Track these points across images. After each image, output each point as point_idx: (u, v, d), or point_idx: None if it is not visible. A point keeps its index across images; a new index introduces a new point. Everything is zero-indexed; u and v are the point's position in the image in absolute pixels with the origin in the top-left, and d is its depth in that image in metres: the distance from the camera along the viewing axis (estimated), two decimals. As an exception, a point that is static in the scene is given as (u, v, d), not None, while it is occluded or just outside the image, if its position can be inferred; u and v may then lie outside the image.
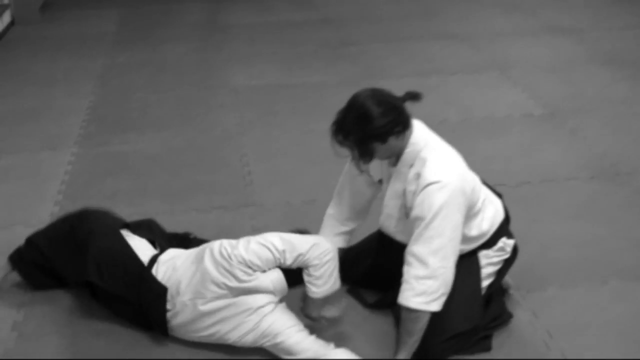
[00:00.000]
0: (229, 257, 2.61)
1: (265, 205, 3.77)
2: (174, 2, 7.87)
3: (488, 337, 2.77)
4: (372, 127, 2.43)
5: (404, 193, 2.61)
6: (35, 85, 5.56)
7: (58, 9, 7.67)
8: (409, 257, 2.48)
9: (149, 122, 4.84)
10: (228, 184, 4.00)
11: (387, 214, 2.79)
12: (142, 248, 2.89)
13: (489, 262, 2.77)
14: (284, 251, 2.62)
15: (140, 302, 2.76)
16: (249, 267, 2.61)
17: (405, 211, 2.62)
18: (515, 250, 2.85)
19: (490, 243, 2.74)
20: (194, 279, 2.68)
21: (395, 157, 2.59)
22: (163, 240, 3.04)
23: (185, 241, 3.12)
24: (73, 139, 4.58)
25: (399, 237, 2.74)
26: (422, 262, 2.43)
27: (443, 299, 2.47)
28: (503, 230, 2.79)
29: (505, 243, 2.79)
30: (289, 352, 2.62)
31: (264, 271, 2.64)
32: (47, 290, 3.11)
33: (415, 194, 2.49)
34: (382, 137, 2.45)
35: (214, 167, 4.20)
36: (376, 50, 6.25)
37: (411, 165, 2.55)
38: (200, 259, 2.70)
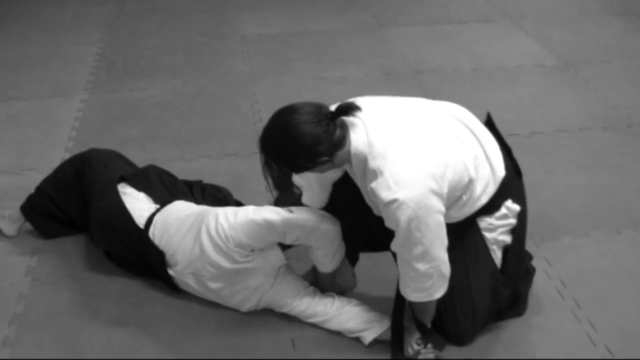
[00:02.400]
0: (227, 238, 2.48)
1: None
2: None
3: (518, 301, 2.67)
4: (290, 159, 2.19)
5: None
6: (42, 31, 5.51)
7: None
8: (396, 256, 2.31)
9: (159, 70, 4.79)
10: (240, 131, 3.97)
11: (369, 202, 2.44)
12: (138, 206, 2.80)
13: (491, 235, 2.47)
14: (284, 233, 2.49)
15: (145, 261, 2.75)
16: (246, 249, 2.51)
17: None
18: (522, 216, 2.52)
19: (489, 208, 2.40)
20: (191, 254, 2.59)
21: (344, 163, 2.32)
22: (162, 191, 2.94)
23: (195, 188, 3.07)
24: (82, 86, 4.55)
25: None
26: (410, 265, 2.25)
27: (444, 286, 2.31)
28: (505, 191, 2.41)
29: (509, 208, 2.44)
30: (300, 317, 2.62)
31: (262, 250, 2.56)
32: (60, 237, 3.11)
33: (379, 207, 2.22)
34: (309, 167, 2.22)
35: (225, 114, 4.17)
36: (386, -2, 6.18)
37: (364, 171, 2.26)
38: (197, 233, 2.59)
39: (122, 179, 2.91)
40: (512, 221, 2.47)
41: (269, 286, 2.59)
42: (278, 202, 2.84)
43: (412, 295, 2.33)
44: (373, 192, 2.17)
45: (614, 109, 4.22)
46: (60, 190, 3.01)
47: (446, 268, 2.28)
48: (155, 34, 5.43)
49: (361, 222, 2.55)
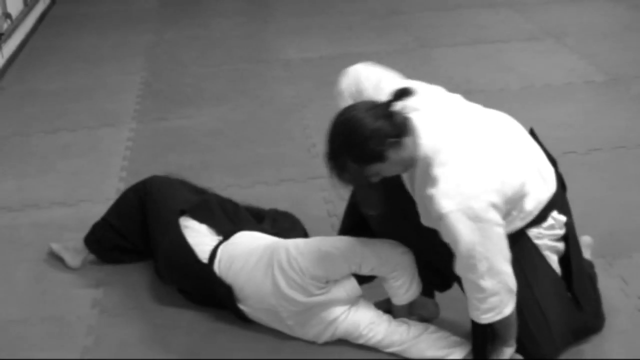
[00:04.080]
0: (301, 271, 2.43)
1: (334, 177, 3.70)
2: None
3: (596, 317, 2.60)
4: (357, 150, 2.13)
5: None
6: (83, 63, 5.52)
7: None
8: (461, 277, 2.24)
9: (205, 97, 4.78)
10: (294, 157, 3.94)
11: (423, 214, 2.36)
12: (201, 240, 2.74)
13: (542, 242, 2.42)
14: (359, 263, 2.45)
15: (212, 295, 2.70)
16: (322, 281, 2.45)
17: None
18: (569, 226, 2.46)
19: (538, 220, 2.36)
20: (261, 289, 2.53)
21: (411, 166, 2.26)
22: (225, 221, 2.87)
23: (267, 218, 3.02)
24: (130, 115, 4.53)
25: None
26: (476, 286, 2.19)
27: (512, 300, 2.24)
28: (553, 203, 2.38)
29: (556, 219, 2.40)
30: (377, 348, 2.54)
31: (337, 281, 2.50)
32: (123, 265, 3.07)
33: (435, 220, 2.17)
34: (377, 156, 2.15)
35: (277, 140, 4.14)
36: (426, 18, 6.16)
37: (426, 179, 2.19)
38: (266, 267, 2.53)
39: (183, 212, 2.86)
40: (559, 231, 2.42)
41: (344, 317, 2.53)
42: (344, 231, 2.78)
43: (483, 317, 2.25)
44: (431, 199, 2.11)
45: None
46: (124, 219, 2.99)
47: (512, 281, 2.22)
48: (196, 62, 5.42)
49: (429, 251, 2.47)
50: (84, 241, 3.06)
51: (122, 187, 3.65)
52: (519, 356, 2.40)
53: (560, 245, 2.45)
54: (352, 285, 2.51)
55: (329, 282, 2.47)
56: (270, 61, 5.37)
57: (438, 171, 2.12)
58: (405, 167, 2.25)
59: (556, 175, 2.43)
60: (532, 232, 2.38)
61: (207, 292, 2.69)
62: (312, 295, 2.45)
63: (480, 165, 2.14)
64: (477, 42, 5.57)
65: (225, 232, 2.78)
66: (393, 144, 2.14)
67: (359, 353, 2.56)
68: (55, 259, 3.12)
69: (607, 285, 2.83)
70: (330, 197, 3.48)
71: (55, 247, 3.12)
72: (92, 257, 3.09)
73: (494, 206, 2.11)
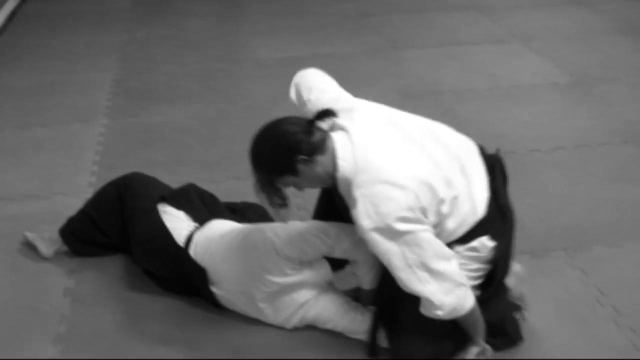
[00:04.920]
0: (276, 251, 2.53)
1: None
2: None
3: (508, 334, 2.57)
4: (268, 161, 2.31)
5: None
6: (56, 60, 5.53)
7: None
8: (412, 293, 2.28)
9: (177, 95, 4.82)
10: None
11: None
12: (178, 225, 2.81)
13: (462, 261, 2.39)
14: (332, 245, 2.54)
15: (186, 279, 2.75)
16: (296, 262, 2.54)
17: None
18: (500, 250, 2.41)
19: (461, 240, 2.37)
20: (236, 271, 2.61)
21: (331, 180, 2.34)
22: (202, 210, 2.96)
23: (238, 211, 3.09)
24: (102, 111, 4.56)
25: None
26: (427, 294, 2.23)
27: (469, 292, 2.30)
28: (482, 229, 2.37)
29: (482, 243, 2.37)
30: (345, 334, 2.61)
31: (310, 262, 2.58)
32: (96, 257, 3.11)
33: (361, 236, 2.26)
34: (287, 170, 2.28)
35: (249, 137, 4.09)
36: (396, 21, 6.25)
37: (349, 201, 2.29)
38: (242, 250, 2.61)
39: (163, 199, 2.92)
40: (483, 255, 2.39)
41: (315, 301, 2.60)
42: (316, 217, 2.86)
43: (449, 316, 2.30)
44: (354, 220, 2.22)
45: (631, 124, 4.27)
46: (102, 213, 3.02)
47: (459, 276, 2.27)
48: (169, 61, 5.46)
49: None
50: (59, 232, 3.09)
51: (95, 181, 3.71)
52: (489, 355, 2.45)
53: (482, 266, 2.42)
54: (324, 268, 2.58)
55: (302, 263, 2.54)
56: (242, 61, 5.42)
57: (357, 193, 2.21)
58: (324, 182, 2.37)
59: (496, 204, 2.41)
60: (456, 251, 2.37)
61: (182, 275, 2.74)
62: (285, 275, 2.52)
63: (396, 184, 2.19)
64: (446, 44, 5.67)
65: (202, 219, 2.84)
66: (305, 161, 2.26)
67: (327, 340, 2.62)
68: (29, 249, 3.15)
69: (568, 276, 2.96)
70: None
71: (30, 235, 3.15)
72: (65, 247, 3.12)
73: (410, 220, 2.18)
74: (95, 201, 3.08)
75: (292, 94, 2.73)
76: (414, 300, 2.33)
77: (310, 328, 2.66)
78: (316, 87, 2.63)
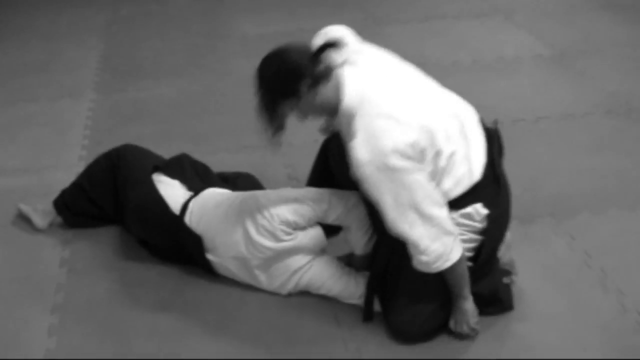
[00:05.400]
0: (271, 216, 2.55)
1: (294, 143, 3.79)
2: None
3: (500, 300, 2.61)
4: (273, 80, 2.30)
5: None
6: (40, 39, 5.50)
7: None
8: (398, 235, 2.29)
9: (163, 70, 4.83)
10: (253, 126, 3.98)
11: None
12: (173, 193, 2.84)
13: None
14: (326, 209, 2.58)
15: (181, 247, 2.79)
16: (291, 227, 2.57)
17: None
18: (494, 221, 2.45)
19: (456, 204, 2.38)
20: (231, 237, 2.63)
21: (331, 113, 2.36)
22: (196, 179, 3.00)
23: (228, 180, 3.13)
24: (89, 87, 4.57)
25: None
26: (413, 238, 2.25)
27: (457, 243, 2.30)
28: (476, 195, 2.40)
29: (476, 210, 2.42)
30: (338, 299, 2.66)
31: (304, 228, 2.62)
32: (90, 228, 3.14)
33: (353, 171, 2.24)
34: (290, 92, 2.28)
35: (235, 110, 4.22)
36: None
37: (347, 134, 2.30)
38: (237, 216, 2.64)
39: (156, 169, 2.95)
40: (477, 224, 2.43)
41: (308, 267, 2.64)
42: (311, 183, 2.90)
43: (434, 266, 2.30)
44: (350, 152, 2.21)
45: (612, 96, 4.32)
46: (95, 184, 3.05)
47: (449, 224, 2.27)
48: (154, 37, 5.46)
49: None
50: (53, 204, 3.12)
51: (85, 154, 3.73)
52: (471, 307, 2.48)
53: (475, 237, 2.45)
54: (318, 234, 2.62)
55: (296, 229, 2.58)
56: (226, 36, 5.43)
57: (358, 124, 2.22)
58: (324, 112, 2.37)
59: (492, 171, 2.45)
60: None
61: (176, 243, 2.77)
62: (280, 240, 2.56)
63: (399, 120, 2.20)
64: (429, 18, 5.69)
65: (196, 188, 2.88)
66: (309, 85, 2.26)
67: (318, 305, 2.67)
68: (23, 222, 3.18)
69: (556, 242, 3.02)
70: (289, 162, 3.60)
71: (24, 207, 3.17)
72: (59, 219, 3.15)
73: (408, 157, 2.18)
74: (87, 173, 3.10)
75: (314, 43, 2.61)
76: (408, 266, 2.37)
77: (305, 294, 2.71)
78: (330, 33, 2.61)
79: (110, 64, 4.95)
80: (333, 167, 2.78)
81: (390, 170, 2.17)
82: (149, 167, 2.95)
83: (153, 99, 4.40)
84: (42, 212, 3.15)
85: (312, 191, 2.63)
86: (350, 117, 2.26)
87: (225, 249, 2.67)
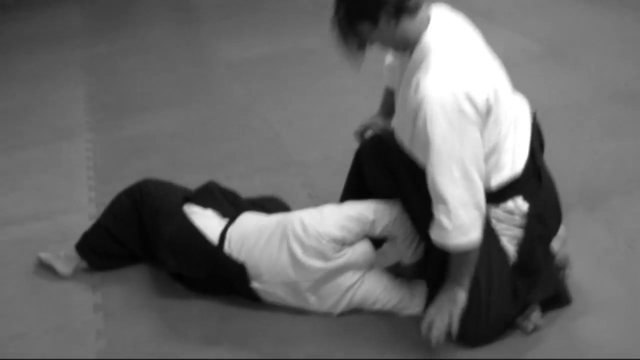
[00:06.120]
0: (319, 235, 2.47)
1: (307, 162, 3.73)
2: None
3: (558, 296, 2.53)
4: (351, 2, 2.16)
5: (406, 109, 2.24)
6: (21, 82, 5.41)
7: (17, 10, 7.45)
8: (431, 188, 2.20)
9: (155, 103, 4.74)
10: (261, 148, 3.95)
11: (399, 123, 2.41)
12: (209, 223, 2.74)
13: (500, 226, 2.39)
14: (373, 221, 2.50)
15: (222, 278, 2.69)
16: (339, 244, 2.49)
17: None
18: (536, 216, 2.39)
19: (496, 197, 2.33)
20: (277, 262, 2.54)
21: (407, 50, 2.24)
22: (228, 206, 2.90)
23: (257, 204, 3.01)
24: (84, 127, 4.46)
25: (414, 155, 2.34)
26: (445, 192, 2.15)
27: (480, 224, 2.21)
28: (518, 188, 2.36)
29: (517, 206, 2.37)
30: (394, 312, 2.57)
31: (352, 244, 2.53)
32: (117, 269, 3.02)
33: (414, 111, 2.15)
34: (370, 15, 2.15)
35: (239, 135, 4.14)
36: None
37: (418, 69, 2.18)
38: (281, 240, 2.55)
39: (187, 199, 2.86)
40: (518, 219, 2.38)
41: (360, 283, 2.56)
42: (345, 197, 2.83)
43: (449, 237, 2.19)
44: (417, 85, 2.13)
45: (612, 82, 4.33)
46: (119, 223, 2.93)
47: (483, 199, 2.18)
48: (138, 71, 5.37)
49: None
50: (76, 248, 3.00)
51: (95, 195, 3.62)
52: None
53: (519, 232, 2.40)
54: (367, 248, 2.55)
55: (344, 245, 2.50)
56: (211, 63, 5.36)
57: (433, 60, 2.13)
58: (396, 46, 2.26)
59: (533, 165, 2.41)
60: (492, 214, 2.36)
61: (218, 275, 2.67)
62: (330, 260, 2.48)
63: (475, 70, 2.14)
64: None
65: (230, 214, 2.78)
66: (390, 13, 2.14)
67: (376, 322, 2.58)
68: (45, 270, 3.04)
69: (595, 229, 2.98)
70: (308, 180, 3.52)
71: (45, 256, 3.05)
72: (84, 264, 3.02)
73: (477, 108, 2.11)
74: (110, 212, 2.99)
75: None
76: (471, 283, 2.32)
77: (357, 312, 2.61)
78: None
79: (100, 102, 4.84)
80: (368, 179, 2.70)
81: (456, 113, 2.09)
82: (177, 199, 2.85)
83: (152, 133, 4.30)
84: (65, 259, 3.02)
85: (356, 205, 2.55)
86: (425, 53, 2.16)
87: (271, 275, 2.58)
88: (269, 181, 3.57)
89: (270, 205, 3.02)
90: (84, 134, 4.36)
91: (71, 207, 3.56)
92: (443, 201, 2.18)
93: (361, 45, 2.25)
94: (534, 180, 2.41)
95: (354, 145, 3.53)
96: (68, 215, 3.49)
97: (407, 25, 2.18)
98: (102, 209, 3.30)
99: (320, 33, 5.66)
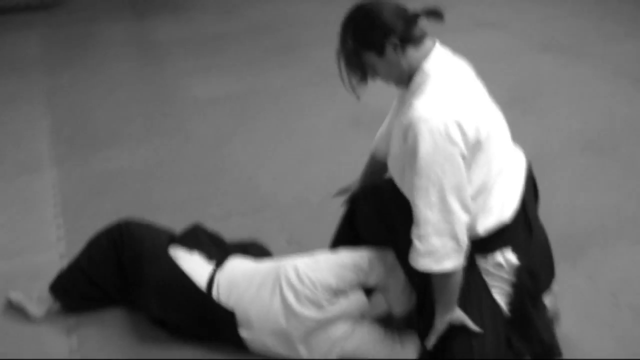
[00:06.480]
0: (313, 284, 2.42)
1: (283, 205, 3.67)
2: (92, 23, 7.66)
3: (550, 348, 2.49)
4: (362, 30, 2.17)
5: (398, 129, 2.25)
6: (-22, 113, 5.23)
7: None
8: (411, 203, 2.19)
9: (121, 139, 4.62)
10: (235, 191, 3.87)
11: (393, 156, 2.35)
12: (196, 267, 2.65)
13: (488, 276, 2.36)
14: (368, 270, 2.46)
15: (209, 325, 2.61)
16: (333, 293, 2.44)
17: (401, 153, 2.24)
18: (526, 272, 2.36)
19: (484, 246, 2.30)
20: (269, 310, 2.47)
21: (407, 83, 2.24)
22: (214, 249, 2.81)
23: (239, 248, 2.93)
24: (48, 161, 4.32)
25: (403, 189, 2.33)
26: (421, 216, 2.13)
27: (458, 256, 2.16)
28: (506, 238, 2.33)
29: (506, 259, 2.34)
30: None
31: (346, 293, 2.48)
32: (93, 311, 2.90)
33: (404, 130, 2.14)
34: (376, 46, 2.16)
35: (211, 176, 4.06)
36: (323, 52, 6.22)
37: (415, 92, 2.18)
38: (273, 287, 2.49)
39: (172, 241, 2.77)
40: (506, 276, 2.35)
41: (351, 334, 2.50)
42: (336, 244, 2.78)
43: (421, 262, 2.17)
44: (410, 107, 2.12)
45: (581, 133, 4.38)
46: (96, 264, 2.82)
47: (462, 233, 2.14)
48: (101, 105, 5.24)
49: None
50: (50, 289, 2.87)
51: (64, 233, 3.51)
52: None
53: (509, 288, 2.37)
54: (360, 298, 2.50)
55: (337, 294, 2.45)
56: (178, 101, 5.27)
57: (429, 88, 2.14)
58: (399, 78, 2.25)
59: (523, 217, 2.37)
60: (481, 266, 2.34)
61: (204, 321, 2.59)
62: (323, 309, 2.42)
63: (469, 104, 2.14)
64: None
65: (217, 258, 2.71)
66: (396, 45, 2.16)
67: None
68: (15, 312, 2.92)
69: (578, 284, 2.99)
70: (287, 226, 3.46)
71: (15, 296, 2.92)
72: (57, 306, 2.90)
73: (465, 137, 2.09)
74: (87, 252, 2.87)
75: None
76: (464, 332, 2.28)
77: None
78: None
79: (63, 135, 4.70)
80: (361, 225, 2.67)
81: (443, 136, 2.07)
82: (161, 241, 2.76)
83: (119, 170, 4.19)
84: (37, 299, 2.90)
85: (350, 253, 2.51)
86: (425, 78, 2.16)
87: (261, 323, 2.50)
88: (244, 225, 3.50)
89: (252, 249, 2.95)
90: (47, 169, 4.22)
91: (38, 245, 3.43)
92: (417, 224, 2.16)
93: (364, 77, 2.25)
94: (525, 232, 2.39)
95: (329, 187, 3.51)
96: (36, 253, 3.35)
97: (412, 55, 2.19)
98: (72, 247, 3.22)
99: (287, 73, 5.70)
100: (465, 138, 2.10)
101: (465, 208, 2.15)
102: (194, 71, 5.92)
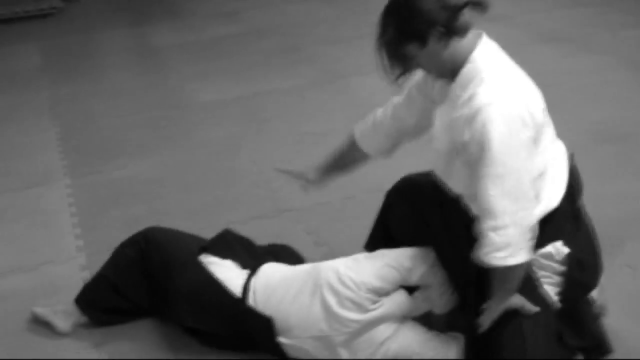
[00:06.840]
0: (356, 286, 2.34)
1: (305, 207, 3.59)
2: (91, 31, 7.58)
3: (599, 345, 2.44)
4: (404, 19, 2.07)
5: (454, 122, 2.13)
6: (-18, 126, 5.13)
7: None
8: (480, 204, 2.07)
9: (131, 147, 4.53)
10: (254, 194, 3.80)
11: (436, 152, 2.29)
12: (229, 275, 2.58)
13: (538, 268, 2.31)
14: (410, 269, 2.39)
15: (245, 333, 2.53)
16: (377, 294, 2.37)
17: (456, 147, 2.14)
18: (577, 263, 2.32)
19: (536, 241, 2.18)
20: (309, 315, 2.40)
21: (450, 75, 2.14)
22: (246, 256, 2.73)
23: (274, 253, 2.86)
24: (60, 172, 4.23)
25: (452, 183, 2.28)
26: (496, 207, 2.01)
27: (529, 245, 2.07)
28: (554, 229, 2.27)
29: (557, 249, 2.29)
30: None
31: (389, 293, 2.41)
32: (120, 325, 2.82)
33: (467, 120, 2.04)
34: (419, 36, 2.06)
35: (228, 180, 3.98)
36: (327, 51, 6.18)
37: (467, 87, 2.08)
38: (313, 291, 2.42)
39: (203, 249, 2.68)
40: (556, 266, 2.30)
41: (395, 336, 2.43)
42: (369, 246, 2.71)
43: (494, 256, 2.05)
44: (473, 96, 2.03)
45: (599, 124, 4.34)
46: (123, 275, 2.74)
47: (533, 220, 2.07)
48: (107, 114, 5.15)
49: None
50: (76, 303, 2.79)
51: (82, 244, 3.42)
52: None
53: (559, 279, 2.32)
54: (404, 298, 2.44)
55: (381, 294, 2.38)
56: (185, 106, 5.18)
57: (488, 76, 2.05)
58: (440, 70, 2.15)
59: (569, 207, 2.32)
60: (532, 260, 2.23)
61: (240, 329, 2.51)
62: (367, 311, 2.35)
63: (527, 88, 2.13)
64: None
65: (250, 265, 2.63)
66: (439, 35, 2.06)
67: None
68: (40, 327, 2.83)
69: (619, 277, 2.92)
70: (310, 227, 3.38)
71: (40, 311, 2.83)
72: (84, 319, 2.81)
73: (534, 119, 2.05)
74: (112, 263, 2.80)
75: None
76: (506, 322, 2.22)
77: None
78: None
79: (72, 146, 4.61)
80: (396, 222, 2.62)
81: (516, 120, 2.00)
82: (190, 248, 2.69)
83: (132, 178, 4.10)
84: (62, 314, 2.81)
85: (391, 253, 2.44)
86: (478, 70, 2.06)
87: (301, 328, 2.42)
88: (266, 229, 3.39)
89: (284, 254, 2.88)
90: (60, 179, 4.14)
91: (58, 257, 3.34)
92: (492, 216, 2.04)
93: (406, 69, 2.16)
94: (572, 223, 2.34)
95: (348, 187, 3.44)
96: (56, 266, 3.27)
97: (456, 46, 2.10)
98: (93, 258, 3.15)
99: (293, 75, 5.63)
100: (535, 122, 2.05)
101: (537, 196, 2.09)
102: (198, 76, 5.83)
